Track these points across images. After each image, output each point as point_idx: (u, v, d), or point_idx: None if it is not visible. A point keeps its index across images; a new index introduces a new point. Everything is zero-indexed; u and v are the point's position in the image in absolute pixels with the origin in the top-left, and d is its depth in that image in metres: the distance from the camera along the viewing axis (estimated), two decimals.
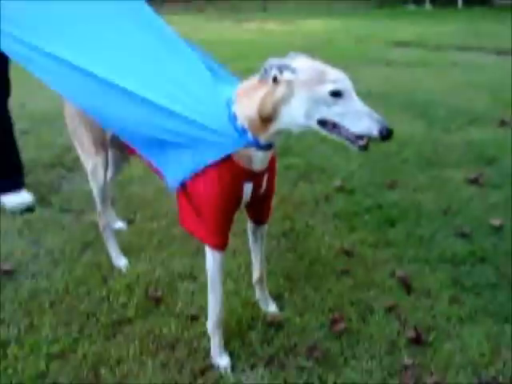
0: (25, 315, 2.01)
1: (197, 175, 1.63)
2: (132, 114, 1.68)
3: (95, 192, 2.23)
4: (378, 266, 2.34)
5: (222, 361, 1.80)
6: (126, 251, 2.39)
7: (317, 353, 1.84)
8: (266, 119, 1.50)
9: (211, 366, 1.79)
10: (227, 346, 1.85)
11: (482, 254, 2.40)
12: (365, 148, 1.44)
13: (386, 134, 1.38)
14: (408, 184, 3.11)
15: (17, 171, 2.96)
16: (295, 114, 1.46)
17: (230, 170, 1.59)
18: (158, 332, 1.93)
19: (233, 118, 1.54)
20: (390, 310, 2.05)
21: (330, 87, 1.40)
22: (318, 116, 1.43)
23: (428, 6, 15.20)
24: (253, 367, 1.79)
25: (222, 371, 1.76)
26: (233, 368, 1.78)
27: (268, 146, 1.58)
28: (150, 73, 1.71)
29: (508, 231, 2.59)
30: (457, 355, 1.83)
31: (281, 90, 1.46)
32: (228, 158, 1.57)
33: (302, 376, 1.74)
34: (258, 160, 1.60)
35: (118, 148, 2.22)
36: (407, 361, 1.80)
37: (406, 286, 2.20)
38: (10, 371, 1.74)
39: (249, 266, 2.26)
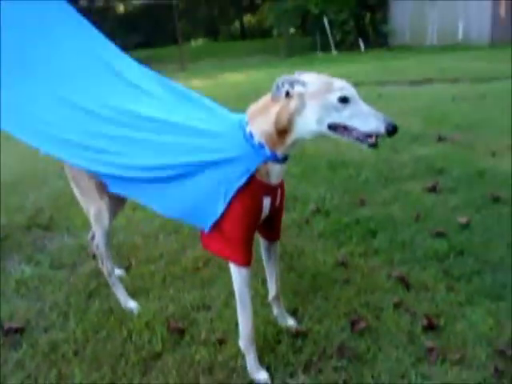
0: (51, 367, 1.99)
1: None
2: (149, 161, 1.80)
3: (99, 236, 2.26)
4: (373, 272, 2.52)
5: (261, 375, 1.86)
6: (132, 294, 2.41)
7: (346, 352, 1.96)
8: (282, 131, 1.65)
9: (252, 383, 1.86)
10: (261, 361, 1.92)
11: (460, 248, 2.65)
12: (374, 145, 1.60)
13: (392, 130, 1.55)
14: (375, 200, 3.36)
15: None
16: (308, 122, 1.62)
17: (251, 186, 1.70)
18: (190, 360, 1.98)
19: (249, 136, 1.68)
20: (397, 306, 2.22)
21: (338, 94, 1.57)
22: (329, 121, 1.59)
23: (334, 51, 16.37)
24: (292, 375, 1.89)
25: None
26: (273, 380, 1.87)
27: (284, 159, 1.73)
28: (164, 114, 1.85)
29: (476, 226, 2.88)
30: (469, 333, 2.02)
31: (294, 103, 1.62)
32: (249, 176, 1.70)
33: (339, 375, 1.86)
34: (275, 173, 1.74)
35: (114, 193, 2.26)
36: (429, 344, 1.97)
37: (405, 284, 2.38)
38: None
39: (257, 288, 2.38)
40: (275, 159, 1.70)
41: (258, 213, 1.77)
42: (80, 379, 1.91)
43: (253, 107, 1.73)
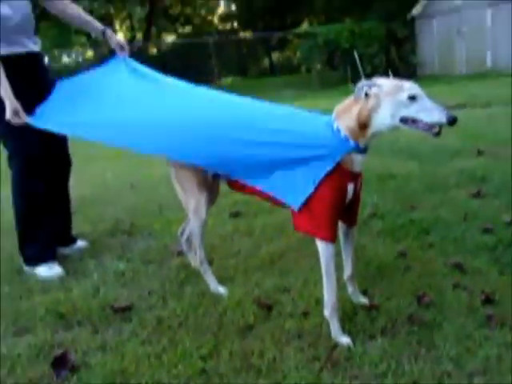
0: (161, 335, 2.32)
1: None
2: (244, 154, 2.22)
3: (196, 227, 2.61)
4: (431, 261, 2.82)
5: (345, 339, 2.16)
6: (219, 282, 2.74)
7: (416, 321, 2.26)
8: (363, 126, 2.03)
9: (337, 345, 2.17)
10: (343, 329, 2.23)
11: (507, 241, 2.94)
12: (438, 134, 1.96)
13: (453, 120, 1.90)
14: (425, 205, 3.68)
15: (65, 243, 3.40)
16: (383, 117, 1.99)
17: (339, 173, 2.07)
18: (281, 328, 2.30)
19: (336, 131, 2.07)
20: (455, 286, 2.51)
21: (408, 93, 1.95)
22: (400, 115, 1.97)
23: None
24: (371, 338, 2.19)
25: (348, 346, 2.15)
26: (354, 343, 2.17)
27: (365, 150, 2.09)
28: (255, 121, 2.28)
29: None
30: None
31: (371, 102, 2.00)
32: (337, 164, 2.07)
33: (413, 337, 2.15)
34: (358, 162, 2.10)
35: (208, 191, 2.65)
36: (489, 312, 2.26)
37: (461, 270, 2.68)
38: (173, 371, 2.06)
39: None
40: (358, 150, 2.07)
41: (343, 196, 2.12)
42: (189, 342, 2.25)
43: (338, 107, 2.12)
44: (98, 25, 3.18)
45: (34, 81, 3.01)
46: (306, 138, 2.13)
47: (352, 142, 2.05)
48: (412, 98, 1.95)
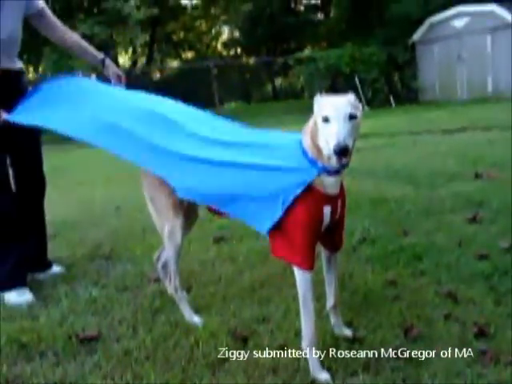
0: (126, 368, 2.14)
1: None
2: (216, 178, 2.08)
3: (171, 254, 2.46)
4: (422, 290, 2.64)
5: (323, 375, 1.97)
6: (195, 311, 2.55)
7: (402, 355, 2.08)
8: (317, 147, 1.87)
9: (314, 382, 1.98)
10: (322, 364, 2.05)
11: (503, 269, 2.76)
12: (344, 166, 1.81)
13: (339, 151, 1.70)
14: (418, 230, 3.51)
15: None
16: (320, 139, 1.83)
17: (312, 196, 1.90)
18: (255, 363, 2.12)
19: (305, 152, 1.91)
20: (447, 317, 2.33)
21: (322, 114, 1.79)
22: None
23: (366, 108, 16.81)
24: (352, 375, 2.01)
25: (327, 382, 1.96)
26: (333, 379, 1.99)
27: (336, 172, 1.90)
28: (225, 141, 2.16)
29: None
30: None
31: (316, 120, 1.85)
32: (309, 187, 1.90)
33: (397, 375, 1.97)
34: (330, 184, 1.92)
35: (185, 216, 2.49)
36: (483, 347, 2.07)
37: (453, 299, 2.50)
38: None
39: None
40: (327, 172, 1.89)
41: (319, 220, 1.95)
42: (154, 378, 2.07)
43: (306, 125, 1.96)
44: (97, 53, 3.12)
45: (7, 97, 2.89)
46: (276, 160, 1.98)
47: (320, 164, 1.88)
48: (326, 120, 1.78)
